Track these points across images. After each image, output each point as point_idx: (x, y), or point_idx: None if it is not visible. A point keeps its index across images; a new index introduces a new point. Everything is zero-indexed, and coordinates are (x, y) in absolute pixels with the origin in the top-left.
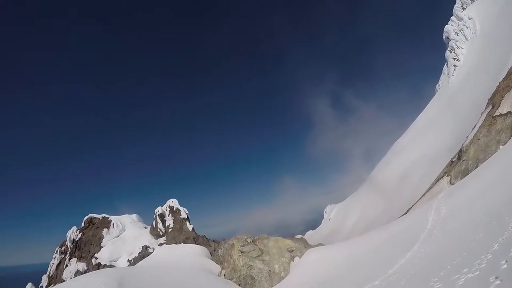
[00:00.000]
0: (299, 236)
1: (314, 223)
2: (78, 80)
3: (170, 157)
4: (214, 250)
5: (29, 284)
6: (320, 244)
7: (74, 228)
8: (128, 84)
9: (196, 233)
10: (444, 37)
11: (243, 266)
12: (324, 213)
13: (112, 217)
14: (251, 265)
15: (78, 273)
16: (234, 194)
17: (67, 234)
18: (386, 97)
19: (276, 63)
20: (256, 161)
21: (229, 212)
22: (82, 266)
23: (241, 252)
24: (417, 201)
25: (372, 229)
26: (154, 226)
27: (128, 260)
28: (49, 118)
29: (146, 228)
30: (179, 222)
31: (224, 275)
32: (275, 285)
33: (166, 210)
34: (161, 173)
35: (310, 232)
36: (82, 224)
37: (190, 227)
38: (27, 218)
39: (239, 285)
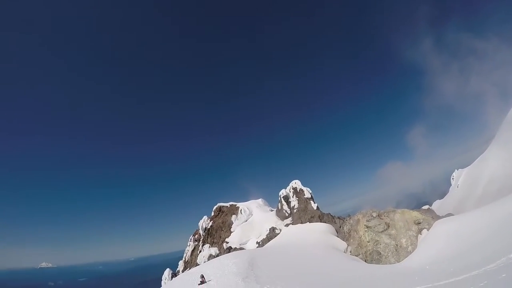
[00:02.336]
0: (426, 207)
1: (441, 192)
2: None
3: (290, 139)
4: (340, 227)
5: (167, 269)
6: (449, 214)
7: (205, 217)
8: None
9: (321, 211)
10: None
11: (369, 242)
12: (451, 179)
13: (239, 204)
14: (378, 240)
15: (211, 257)
16: (355, 166)
17: (199, 223)
18: (501, 27)
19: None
20: (368, 124)
21: (352, 186)
22: (214, 250)
23: (367, 227)
24: None
25: (506, 194)
26: (280, 208)
27: (257, 242)
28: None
29: (272, 210)
30: (304, 202)
31: (350, 252)
32: (402, 260)
33: (290, 191)
34: (284, 155)
35: (437, 201)
36: (212, 213)
37: (314, 206)
38: (164, 213)
39: (365, 261)
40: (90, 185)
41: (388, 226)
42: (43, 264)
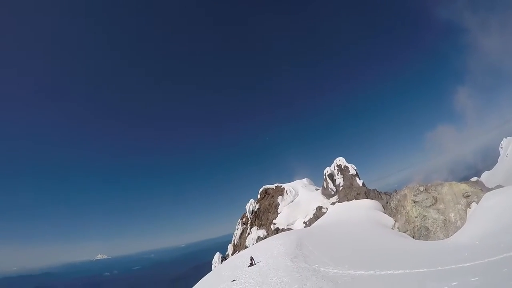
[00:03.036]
0: (474, 179)
1: (489, 162)
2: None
3: (332, 115)
4: (387, 203)
5: (217, 253)
6: (498, 186)
7: (251, 200)
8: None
9: (367, 188)
10: None
11: (416, 217)
12: (500, 148)
13: (284, 185)
14: (425, 215)
15: (259, 239)
16: (400, 139)
17: (246, 207)
18: None
19: None
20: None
21: (398, 160)
22: (262, 232)
23: (414, 202)
24: None
25: None
26: (325, 186)
27: (304, 222)
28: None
29: (317, 189)
30: (349, 179)
31: (397, 228)
32: (451, 235)
33: (335, 169)
34: (326, 132)
35: (486, 173)
36: (258, 196)
37: (360, 182)
38: (211, 199)
39: (413, 238)
40: (138, 175)
41: (436, 200)
42: (99, 256)
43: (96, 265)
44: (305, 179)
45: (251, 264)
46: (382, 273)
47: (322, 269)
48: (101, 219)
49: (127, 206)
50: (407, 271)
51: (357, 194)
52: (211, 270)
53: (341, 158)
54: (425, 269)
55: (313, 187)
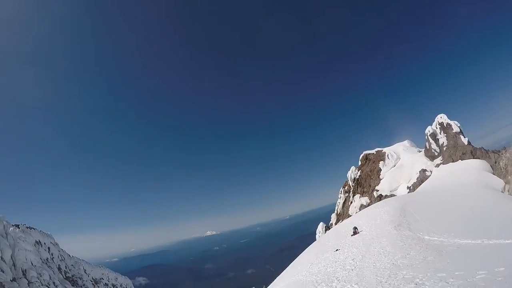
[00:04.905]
0: None
1: None
2: None
3: (431, 69)
4: (495, 162)
5: (321, 223)
6: None
7: (352, 168)
8: None
9: (472, 146)
10: None
11: None
12: None
13: (385, 149)
14: None
15: (362, 207)
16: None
17: (347, 175)
18: None
19: None
20: None
21: (505, 112)
22: (365, 200)
23: None
24: None
25: None
26: (428, 147)
27: (408, 187)
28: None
29: (420, 151)
30: (453, 138)
31: (508, 191)
32: None
33: (436, 127)
34: (425, 88)
35: None
36: (359, 163)
37: (465, 140)
38: (313, 169)
39: None
40: (241, 155)
41: None
42: (208, 233)
43: (206, 240)
44: (406, 141)
45: (354, 233)
46: (491, 242)
47: (426, 237)
48: (210, 197)
49: (233, 183)
50: None
51: (463, 153)
52: (315, 240)
53: (442, 115)
54: None
55: (415, 149)
